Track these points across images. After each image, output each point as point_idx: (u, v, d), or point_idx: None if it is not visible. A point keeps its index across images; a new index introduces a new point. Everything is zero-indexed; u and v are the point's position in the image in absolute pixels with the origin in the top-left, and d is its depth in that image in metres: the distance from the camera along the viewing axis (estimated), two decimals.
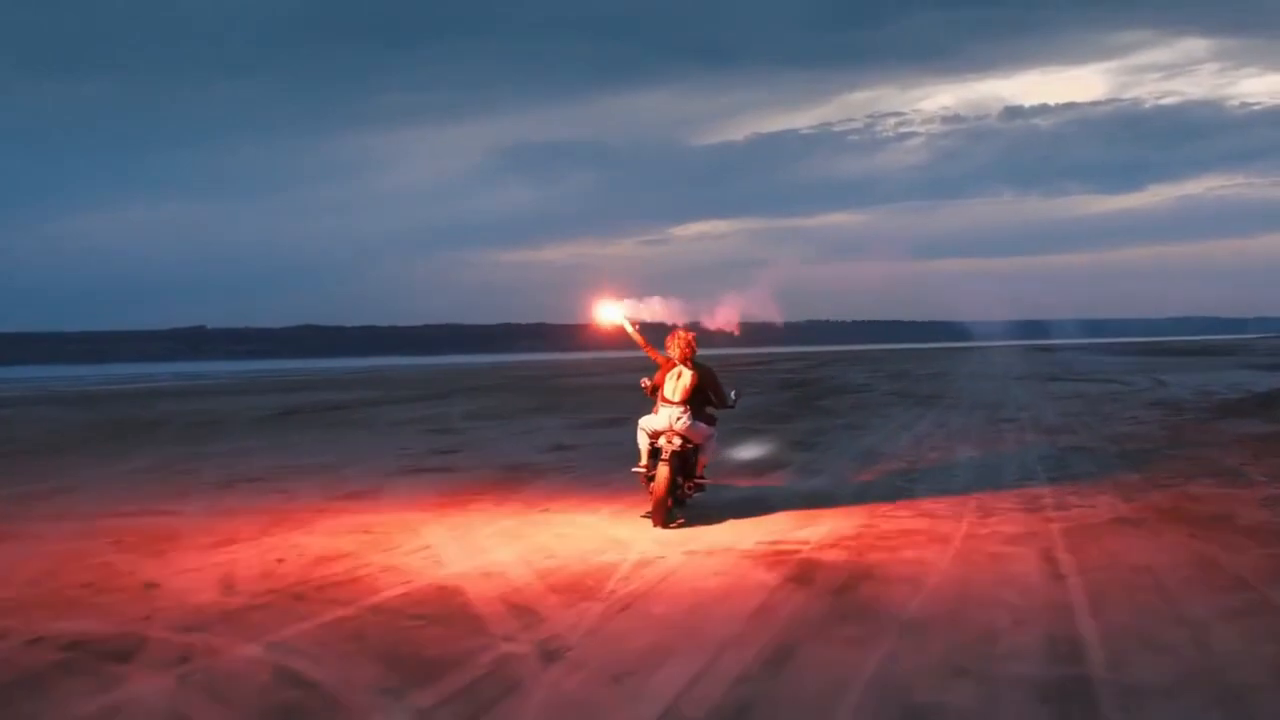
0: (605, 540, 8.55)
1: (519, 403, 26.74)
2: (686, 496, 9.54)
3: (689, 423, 9.41)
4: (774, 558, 7.79)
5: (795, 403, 24.28)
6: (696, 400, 9.55)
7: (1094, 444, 14.73)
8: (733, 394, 9.93)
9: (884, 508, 9.88)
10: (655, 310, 10.48)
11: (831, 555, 7.85)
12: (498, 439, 17.34)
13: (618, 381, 36.96)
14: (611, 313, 10.54)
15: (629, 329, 10.47)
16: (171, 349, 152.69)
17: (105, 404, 28.93)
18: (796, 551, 7.99)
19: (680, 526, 9.03)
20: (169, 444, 17.05)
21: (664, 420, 9.43)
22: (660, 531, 8.87)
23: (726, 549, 8.14)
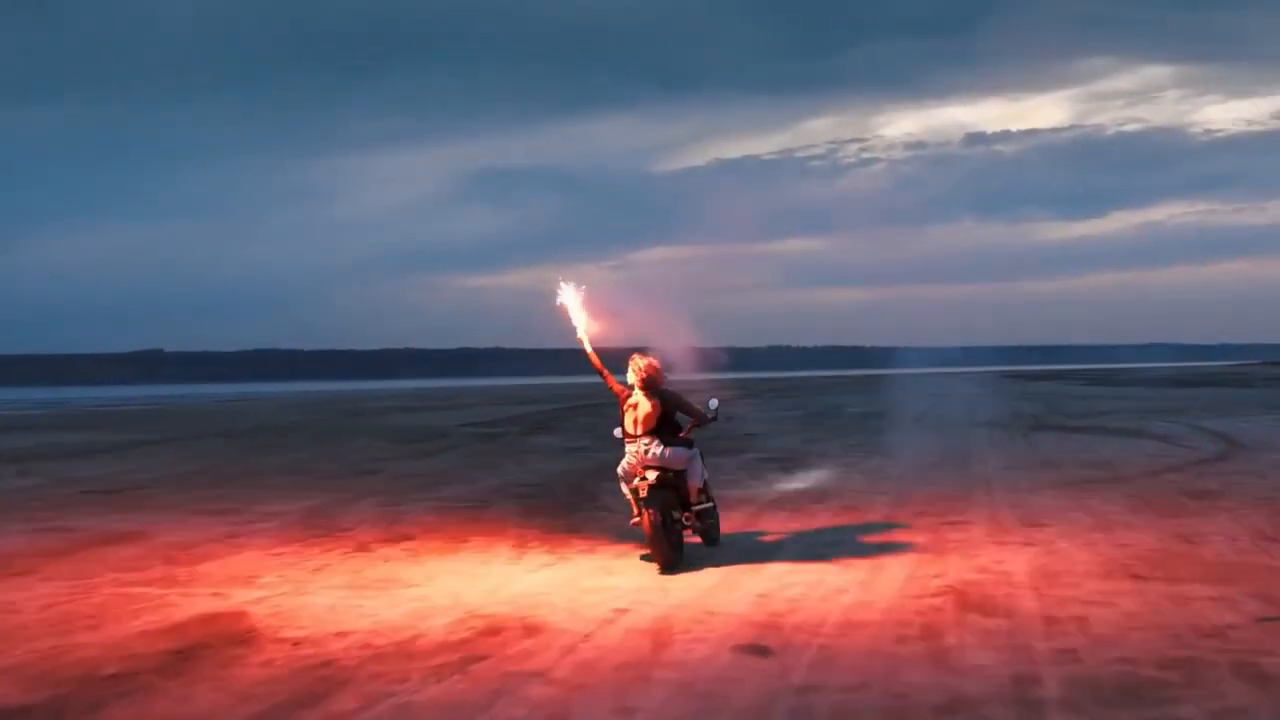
0: None
1: (179, 469, 15.19)
2: (705, 532, 8.30)
3: (659, 451, 7.94)
4: None
5: (551, 492, 11.52)
6: (665, 429, 8.10)
7: None
8: (713, 403, 8.40)
9: None
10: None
11: None
12: None
13: (466, 418, 23.99)
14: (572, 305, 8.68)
15: (586, 346, 8.64)
16: (128, 372, 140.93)
17: None
18: None
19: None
20: None
21: (632, 457, 8.01)
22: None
23: None
